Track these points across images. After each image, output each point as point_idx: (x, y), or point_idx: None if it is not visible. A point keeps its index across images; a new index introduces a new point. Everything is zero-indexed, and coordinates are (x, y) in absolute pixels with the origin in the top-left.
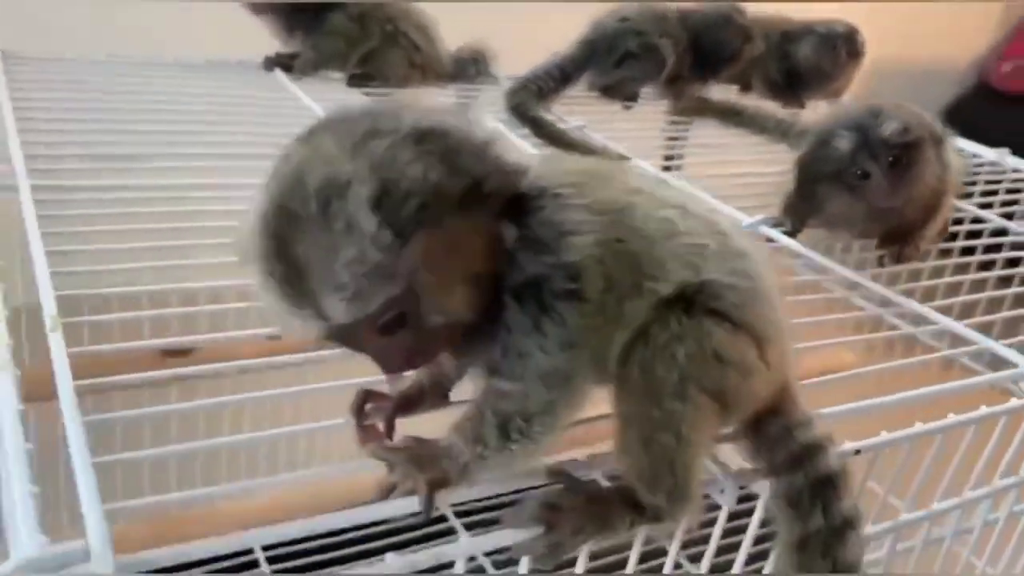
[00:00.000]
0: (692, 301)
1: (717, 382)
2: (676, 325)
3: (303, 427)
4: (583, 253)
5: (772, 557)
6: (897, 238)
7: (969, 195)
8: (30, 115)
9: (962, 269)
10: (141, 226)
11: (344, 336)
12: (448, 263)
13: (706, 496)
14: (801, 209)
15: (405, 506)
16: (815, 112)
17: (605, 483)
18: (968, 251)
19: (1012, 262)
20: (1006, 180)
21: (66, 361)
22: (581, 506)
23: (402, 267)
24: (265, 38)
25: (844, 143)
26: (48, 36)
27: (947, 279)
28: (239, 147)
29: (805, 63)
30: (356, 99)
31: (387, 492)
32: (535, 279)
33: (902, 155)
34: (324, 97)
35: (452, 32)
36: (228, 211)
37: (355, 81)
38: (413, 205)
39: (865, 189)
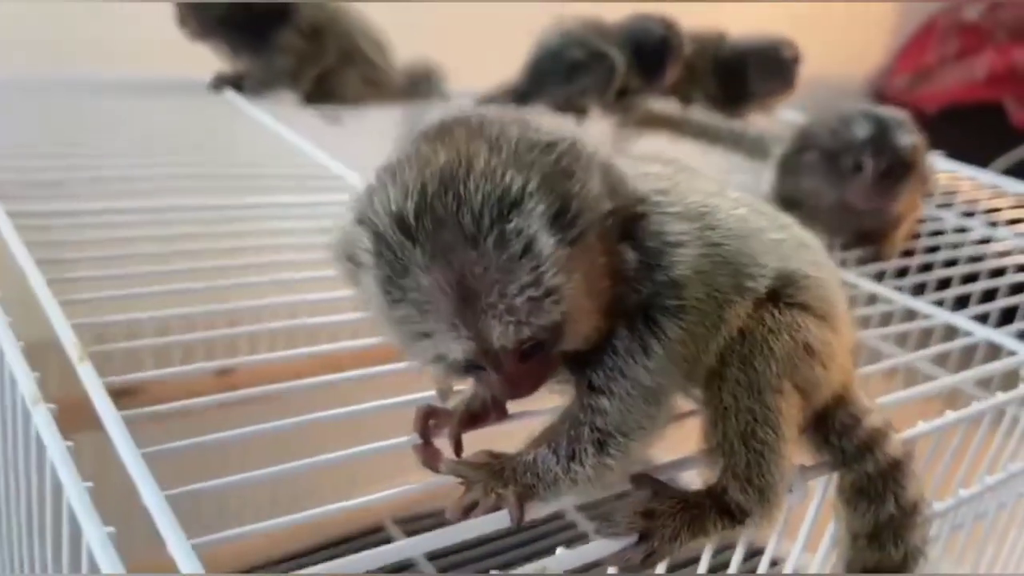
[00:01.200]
0: (781, 295)
1: (807, 375)
2: (771, 319)
3: (367, 447)
4: (689, 266)
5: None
6: (869, 239)
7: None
8: None
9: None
10: (139, 252)
11: (477, 363)
12: (594, 287)
13: None
14: (780, 202)
15: (485, 524)
16: (756, 123)
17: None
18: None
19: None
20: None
21: (104, 392)
22: (675, 512)
23: (567, 291)
24: (206, 56)
25: (861, 129)
26: None
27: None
28: (201, 168)
29: (753, 76)
30: (305, 118)
31: (468, 510)
32: (647, 299)
33: (899, 169)
34: (281, 116)
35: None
36: (213, 233)
37: (311, 99)
38: (582, 225)
39: (847, 182)
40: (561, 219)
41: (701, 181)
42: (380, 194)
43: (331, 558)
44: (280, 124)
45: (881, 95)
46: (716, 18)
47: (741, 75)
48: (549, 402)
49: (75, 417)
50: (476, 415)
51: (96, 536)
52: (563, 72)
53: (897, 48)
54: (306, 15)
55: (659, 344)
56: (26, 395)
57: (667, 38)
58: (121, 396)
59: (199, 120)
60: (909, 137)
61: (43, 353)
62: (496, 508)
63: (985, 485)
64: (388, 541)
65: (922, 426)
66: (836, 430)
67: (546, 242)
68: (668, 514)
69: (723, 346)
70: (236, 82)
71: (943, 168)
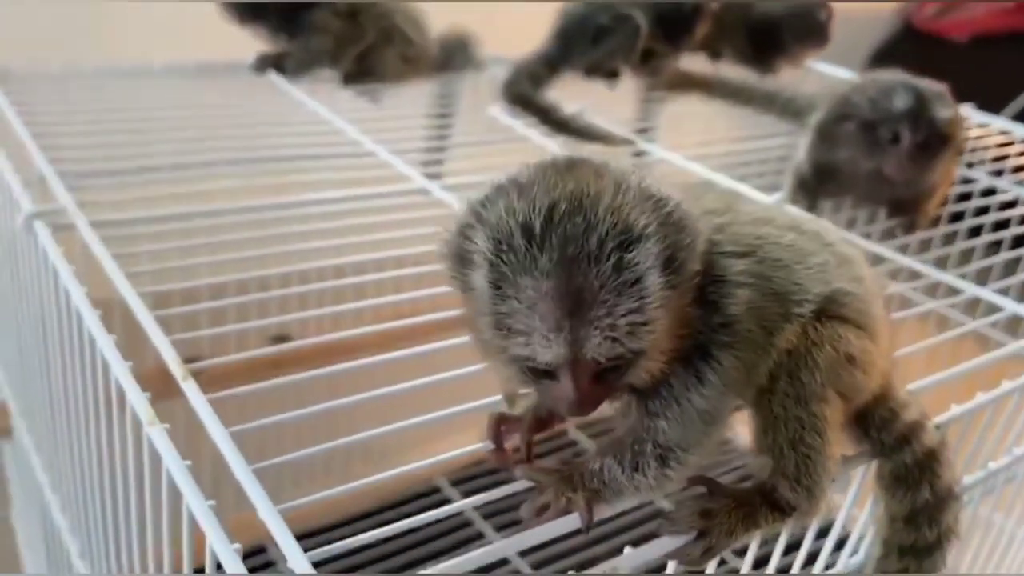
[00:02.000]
0: (823, 311)
1: (849, 382)
2: (814, 333)
3: (445, 413)
4: (743, 305)
5: (870, 533)
6: (903, 208)
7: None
8: (43, 134)
9: (963, 235)
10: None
11: (558, 370)
12: (674, 330)
13: None
14: (814, 171)
15: (556, 527)
16: (786, 77)
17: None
18: (958, 215)
19: (1001, 224)
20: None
21: (210, 410)
22: (730, 509)
23: (659, 325)
24: (247, 38)
25: (901, 100)
26: (25, 48)
27: (960, 246)
28: (258, 152)
29: (787, 37)
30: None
31: (541, 512)
32: (702, 341)
33: (935, 142)
34: (318, 95)
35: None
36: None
37: (351, 79)
38: (682, 274)
39: (885, 152)
40: (670, 264)
41: (751, 208)
42: (502, 204)
43: (393, 520)
44: (318, 103)
45: (910, 24)
46: None
47: (773, 34)
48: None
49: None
50: (542, 421)
51: (223, 553)
52: (590, 37)
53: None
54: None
55: (713, 373)
56: (142, 417)
57: (688, 2)
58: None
59: (241, 100)
60: (947, 110)
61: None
62: (567, 511)
63: (1015, 456)
64: (446, 502)
65: (955, 409)
66: (876, 424)
67: (655, 279)
68: (724, 511)
69: (772, 366)
70: (278, 63)
71: (976, 121)
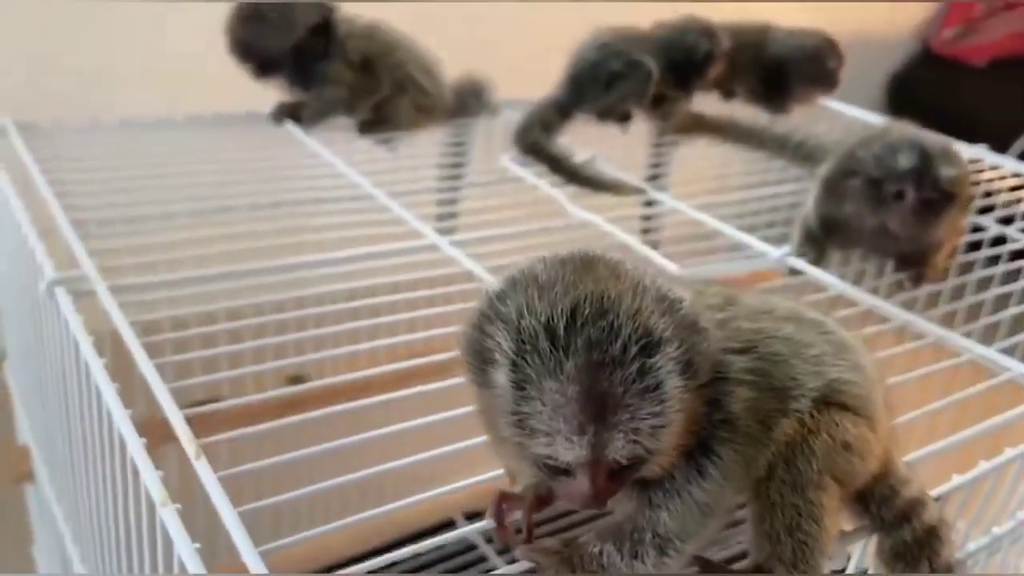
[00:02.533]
0: (821, 399)
1: (845, 469)
2: (811, 421)
3: (445, 449)
4: (743, 404)
5: None
6: (910, 260)
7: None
8: (67, 193)
9: (972, 287)
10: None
11: (576, 469)
12: (685, 428)
13: None
14: (821, 225)
15: None
16: (795, 119)
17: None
18: (968, 266)
19: (1012, 274)
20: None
21: (222, 491)
22: None
23: (676, 426)
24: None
25: (906, 159)
26: (45, 103)
27: (968, 300)
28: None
29: (794, 81)
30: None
31: None
32: (703, 437)
33: (940, 200)
34: (333, 145)
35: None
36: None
37: (366, 128)
38: (698, 377)
39: (889, 209)
40: (688, 368)
41: (750, 300)
42: (522, 301)
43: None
44: (333, 154)
45: (928, 49)
46: None
47: (783, 76)
48: None
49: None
50: (543, 499)
51: None
52: (602, 83)
53: (944, 2)
54: (354, 47)
55: (714, 467)
56: (155, 498)
57: (700, 49)
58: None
59: (258, 151)
60: (952, 168)
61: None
62: None
63: (1019, 520)
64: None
65: (956, 480)
66: (876, 500)
67: (675, 383)
68: None
69: (770, 457)
70: (294, 113)
71: (989, 163)
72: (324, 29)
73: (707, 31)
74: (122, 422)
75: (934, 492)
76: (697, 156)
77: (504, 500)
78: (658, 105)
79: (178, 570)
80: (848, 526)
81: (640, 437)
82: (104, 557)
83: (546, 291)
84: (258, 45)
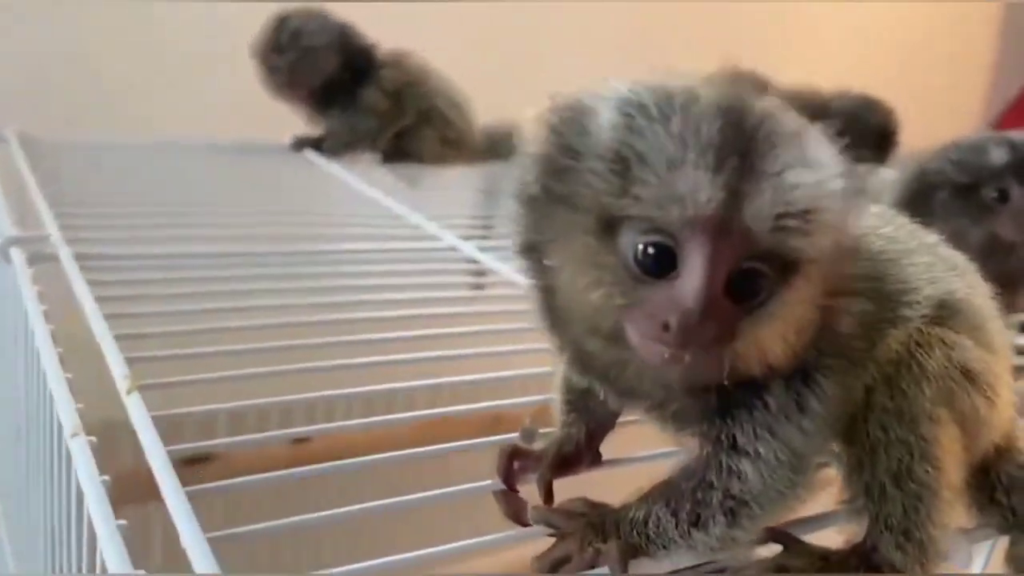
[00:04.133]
0: (933, 318)
1: (967, 405)
2: (920, 335)
3: (441, 491)
4: (855, 321)
5: None
6: (1004, 285)
7: None
8: (63, 203)
9: None
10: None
11: (687, 252)
12: (806, 316)
13: None
14: None
15: None
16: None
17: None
18: None
19: None
20: None
21: (152, 429)
22: (812, 571)
23: (826, 251)
24: (279, 119)
25: (998, 155)
26: (73, 123)
27: None
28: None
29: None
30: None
31: (558, 565)
32: (810, 357)
33: None
34: (361, 175)
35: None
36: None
37: (389, 158)
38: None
39: (994, 214)
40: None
41: None
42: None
43: None
44: (361, 182)
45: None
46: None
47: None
48: (650, 448)
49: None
50: (568, 459)
51: None
52: None
53: (993, 117)
54: (388, 76)
55: (818, 402)
56: (65, 426)
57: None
58: (193, 464)
59: (284, 179)
60: None
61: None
62: (592, 565)
63: None
64: None
65: None
66: (1003, 485)
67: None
68: (804, 572)
69: (869, 382)
70: (316, 143)
71: None
72: (357, 55)
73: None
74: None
75: None
76: None
77: (517, 456)
78: None
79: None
80: (968, 523)
81: (792, 213)
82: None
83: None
84: (305, 72)
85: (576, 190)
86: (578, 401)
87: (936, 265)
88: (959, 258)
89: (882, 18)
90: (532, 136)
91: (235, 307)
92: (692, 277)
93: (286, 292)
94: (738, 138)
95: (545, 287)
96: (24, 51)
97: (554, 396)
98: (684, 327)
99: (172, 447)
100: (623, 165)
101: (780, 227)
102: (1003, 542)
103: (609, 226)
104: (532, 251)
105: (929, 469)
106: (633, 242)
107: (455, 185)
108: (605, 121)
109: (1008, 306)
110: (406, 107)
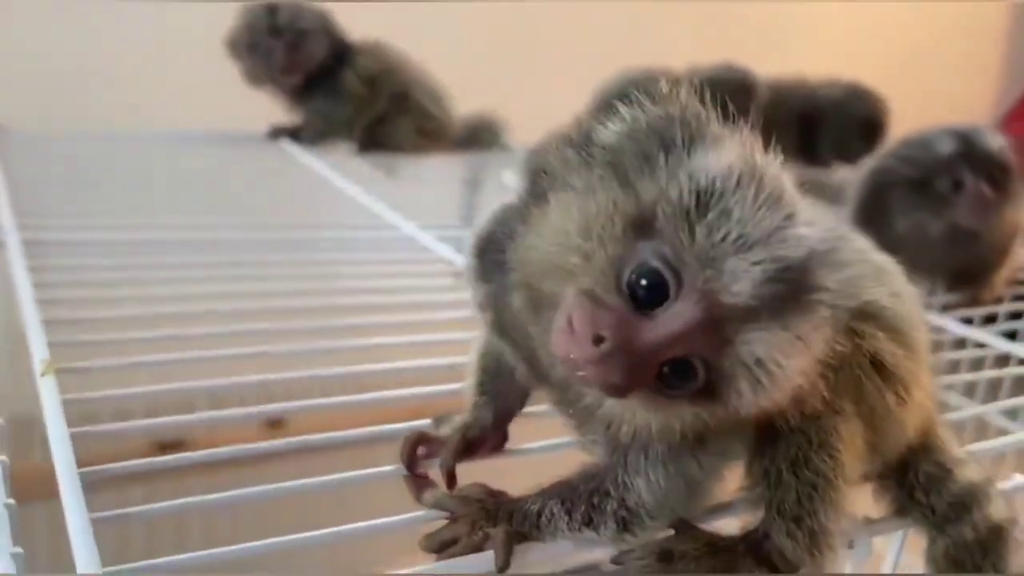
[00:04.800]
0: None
1: (875, 397)
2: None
3: (343, 476)
4: None
5: None
6: (968, 278)
7: None
8: (25, 191)
9: None
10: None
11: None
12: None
13: None
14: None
15: (466, 565)
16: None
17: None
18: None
19: None
20: None
21: (59, 411)
22: (700, 555)
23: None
24: (256, 108)
25: (945, 146)
26: (45, 112)
27: None
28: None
29: (826, 122)
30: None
31: (445, 546)
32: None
33: (1002, 175)
34: (335, 165)
35: (464, 100)
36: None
37: (364, 148)
38: None
39: (950, 204)
40: None
41: None
42: None
43: None
44: (330, 171)
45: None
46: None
47: (815, 128)
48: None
49: None
50: (473, 444)
51: None
52: None
53: (1003, 113)
54: (364, 63)
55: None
56: None
57: (742, 92)
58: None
59: (254, 168)
60: (997, 139)
61: None
62: (479, 548)
63: None
64: None
65: (1019, 478)
66: (921, 483)
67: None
68: (690, 558)
69: None
70: (293, 132)
71: None
72: (338, 42)
73: (742, 77)
74: None
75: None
76: None
77: (422, 442)
78: None
79: None
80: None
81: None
82: None
83: None
84: (301, 54)
85: (648, 172)
86: (489, 383)
87: (861, 276)
88: (888, 263)
89: (889, 19)
90: (652, 101)
91: (175, 294)
92: (659, 328)
93: (228, 279)
94: (795, 278)
95: (525, 215)
96: None
97: (466, 380)
98: (610, 356)
99: (78, 429)
100: (708, 203)
101: (755, 378)
102: (917, 537)
103: (640, 224)
104: (540, 181)
105: (826, 459)
106: (646, 255)
107: (430, 176)
108: (724, 158)
109: (973, 300)
110: (381, 93)
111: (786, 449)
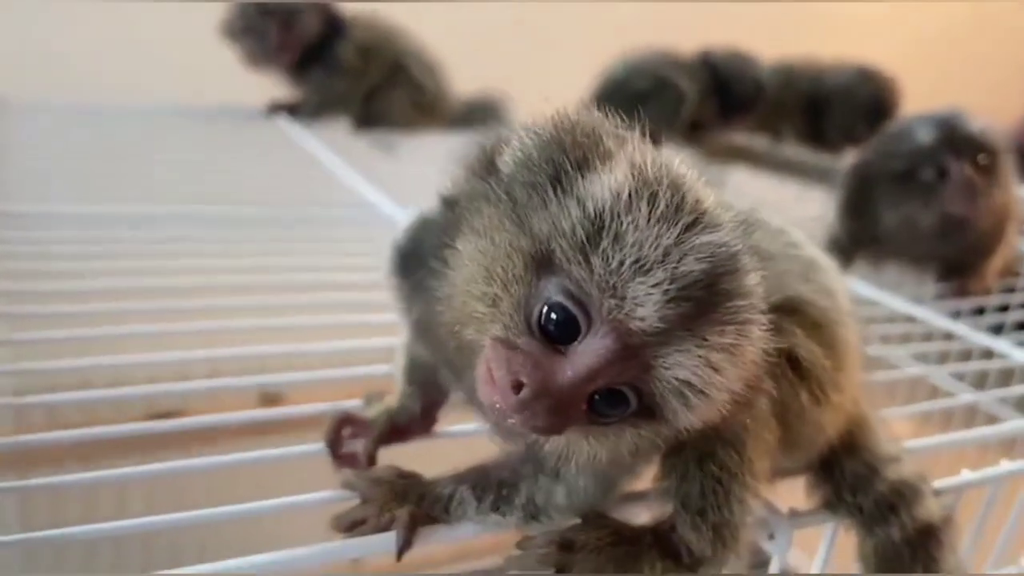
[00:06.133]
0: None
1: (789, 395)
2: None
3: (266, 453)
4: None
5: None
6: (959, 268)
7: None
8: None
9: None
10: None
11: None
12: None
13: None
14: (850, 238)
15: (370, 544)
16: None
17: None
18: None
19: None
20: None
21: None
22: (602, 546)
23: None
24: (255, 84)
25: (925, 134)
26: (45, 82)
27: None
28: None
29: (835, 104)
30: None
31: (353, 526)
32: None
33: (987, 157)
34: (329, 141)
35: (465, 79)
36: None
37: (361, 124)
38: None
39: (938, 192)
40: None
41: None
42: None
43: None
44: (320, 146)
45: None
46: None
47: (825, 111)
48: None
49: None
50: (399, 429)
51: None
52: (626, 102)
53: None
54: (358, 34)
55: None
56: None
57: (758, 80)
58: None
59: (244, 144)
60: (977, 122)
61: None
62: (385, 529)
63: None
64: None
65: (967, 475)
66: (848, 482)
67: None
68: (592, 548)
69: None
70: (291, 108)
71: None
72: (332, 18)
73: (754, 64)
74: None
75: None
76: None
77: (347, 423)
78: (695, 131)
79: None
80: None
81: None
82: None
83: None
84: (294, 32)
85: (540, 205)
86: (418, 372)
87: (783, 273)
88: (822, 258)
89: (923, 17)
90: (539, 127)
91: (130, 267)
92: (576, 364)
93: (187, 255)
94: (702, 291)
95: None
96: None
97: (395, 367)
98: (532, 401)
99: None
100: (600, 231)
101: (684, 398)
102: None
103: (540, 261)
104: (454, 207)
105: (732, 454)
106: (550, 292)
107: (425, 154)
108: (612, 180)
109: (960, 291)
110: (375, 65)
111: (694, 443)
